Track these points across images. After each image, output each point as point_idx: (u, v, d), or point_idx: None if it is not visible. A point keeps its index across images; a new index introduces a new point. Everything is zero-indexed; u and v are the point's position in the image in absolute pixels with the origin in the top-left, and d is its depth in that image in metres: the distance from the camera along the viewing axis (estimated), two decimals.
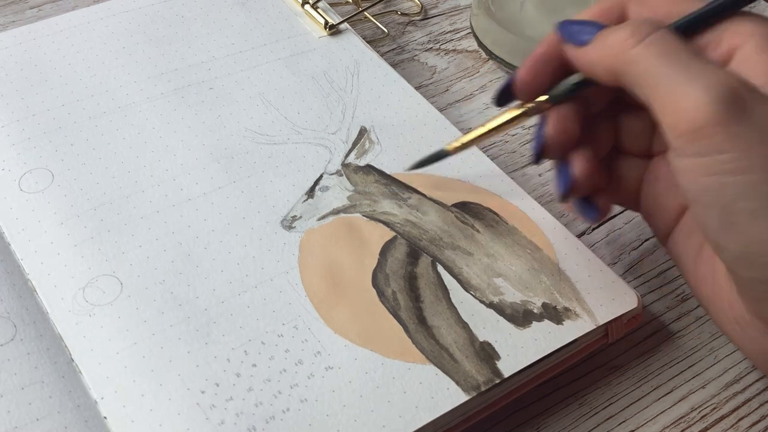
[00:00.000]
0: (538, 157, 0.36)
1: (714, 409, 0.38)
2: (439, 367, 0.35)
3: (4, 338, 0.35)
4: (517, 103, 0.37)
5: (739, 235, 0.29)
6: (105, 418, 0.33)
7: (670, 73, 0.29)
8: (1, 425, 0.32)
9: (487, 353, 0.35)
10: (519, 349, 0.35)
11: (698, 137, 0.28)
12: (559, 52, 0.35)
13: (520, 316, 0.37)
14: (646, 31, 0.30)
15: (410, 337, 0.36)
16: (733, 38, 0.31)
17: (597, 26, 0.33)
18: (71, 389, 0.33)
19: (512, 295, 0.37)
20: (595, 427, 0.37)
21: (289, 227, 0.40)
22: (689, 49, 0.30)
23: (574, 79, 0.35)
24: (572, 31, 0.34)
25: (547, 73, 0.35)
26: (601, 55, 0.32)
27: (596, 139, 0.37)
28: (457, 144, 0.39)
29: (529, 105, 0.36)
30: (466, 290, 0.38)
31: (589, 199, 0.37)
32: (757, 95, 0.28)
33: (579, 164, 0.35)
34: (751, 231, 0.28)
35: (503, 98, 0.37)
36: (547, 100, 0.36)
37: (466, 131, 0.38)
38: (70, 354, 0.34)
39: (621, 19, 0.34)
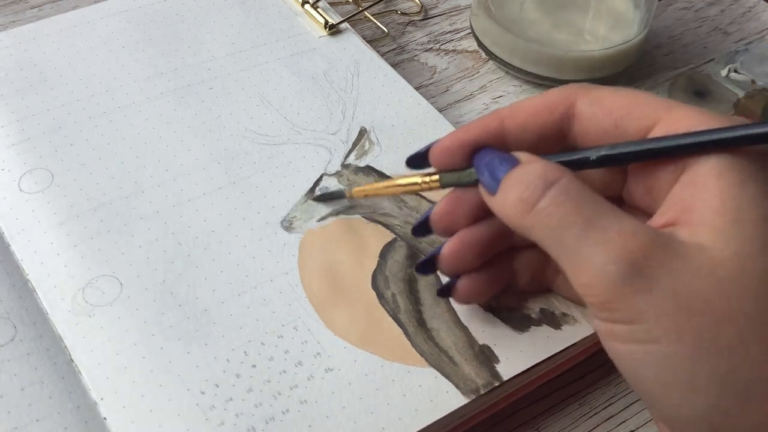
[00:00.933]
0: (420, 230, 0.35)
1: None
2: (438, 370, 0.35)
3: (3, 339, 0.35)
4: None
5: (653, 401, 0.28)
6: (105, 418, 0.33)
7: (565, 247, 0.28)
8: (1, 426, 0.32)
9: (486, 356, 0.35)
10: (518, 353, 0.35)
11: (605, 309, 0.27)
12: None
13: (519, 321, 0.37)
14: (536, 195, 0.29)
15: (410, 339, 0.36)
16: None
17: (505, 167, 0.30)
18: (71, 390, 0.33)
19: (510, 301, 0.37)
20: (595, 427, 0.37)
21: (289, 228, 0.39)
22: (586, 210, 0.28)
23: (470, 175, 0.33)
24: (482, 171, 0.31)
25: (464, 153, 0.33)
26: (504, 214, 0.30)
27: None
28: (358, 192, 0.38)
29: (424, 179, 0.35)
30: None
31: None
32: (662, 256, 0.27)
33: (452, 241, 0.34)
34: (662, 400, 0.28)
35: (416, 163, 0.35)
36: (439, 182, 0.34)
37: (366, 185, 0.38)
38: (70, 355, 0.34)
39: (564, 117, 0.32)
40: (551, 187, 0.28)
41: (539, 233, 0.29)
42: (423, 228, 0.35)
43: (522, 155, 0.31)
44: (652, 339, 0.27)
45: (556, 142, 0.32)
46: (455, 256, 0.34)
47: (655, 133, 0.30)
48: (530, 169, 0.29)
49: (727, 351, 0.26)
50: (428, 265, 0.36)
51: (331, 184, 0.42)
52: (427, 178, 0.34)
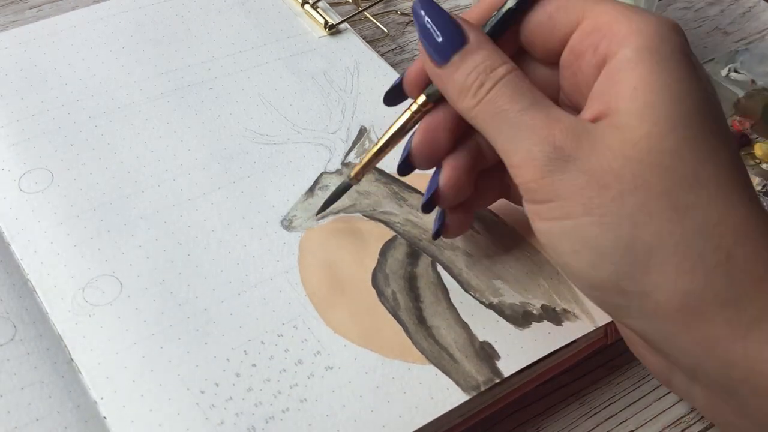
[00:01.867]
0: (405, 169, 0.36)
1: None
2: (438, 367, 0.35)
3: (3, 338, 0.35)
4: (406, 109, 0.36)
5: (568, 271, 0.31)
6: (105, 418, 0.33)
7: (500, 133, 0.31)
8: (1, 425, 0.32)
9: (486, 353, 0.35)
10: (519, 349, 0.35)
11: (529, 189, 0.30)
12: None
13: (520, 317, 0.37)
14: (484, 88, 0.31)
15: (410, 337, 0.36)
16: (609, 43, 0.30)
17: (456, 41, 0.32)
18: (71, 389, 0.33)
19: (511, 297, 0.37)
20: (595, 427, 0.37)
21: (289, 227, 0.39)
22: (523, 99, 0.30)
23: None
24: (430, 35, 0.32)
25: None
26: (448, 94, 0.32)
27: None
28: (357, 170, 0.38)
29: (414, 108, 0.35)
30: (466, 291, 0.38)
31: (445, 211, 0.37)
32: (580, 140, 0.29)
33: (446, 170, 0.35)
34: (575, 269, 0.30)
35: (392, 98, 0.37)
36: (426, 99, 0.34)
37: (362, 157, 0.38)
38: (70, 354, 0.34)
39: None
40: (501, 79, 0.31)
41: (481, 120, 0.31)
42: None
43: (470, 31, 0.32)
44: (566, 215, 0.29)
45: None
46: (455, 187, 0.35)
47: (582, 28, 0.31)
48: (479, 55, 0.31)
49: (630, 220, 0.28)
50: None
51: (331, 183, 0.42)
52: (414, 107, 0.35)
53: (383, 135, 0.36)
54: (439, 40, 0.32)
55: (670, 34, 0.30)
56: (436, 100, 0.34)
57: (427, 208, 0.36)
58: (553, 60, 0.33)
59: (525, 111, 0.30)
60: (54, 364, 0.34)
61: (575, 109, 0.33)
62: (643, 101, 0.29)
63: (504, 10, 0.32)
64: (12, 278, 0.37)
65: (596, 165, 0.28)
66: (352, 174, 0.38)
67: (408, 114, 0.35)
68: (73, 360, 0.34)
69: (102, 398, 0.33)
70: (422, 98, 0.34)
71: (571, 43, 0.32)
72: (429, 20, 0.32)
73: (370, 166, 0.38)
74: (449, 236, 0.38)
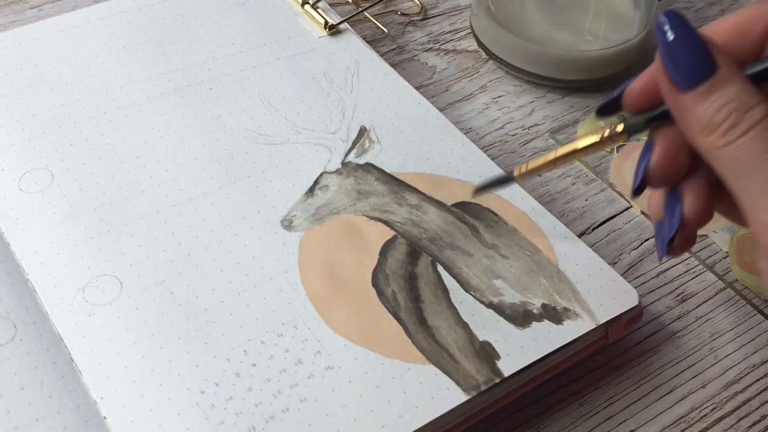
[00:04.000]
0: (640, 188, 0.32)
1: (714, 409, 0.38)
2: (438, 367, 0.35)
3: (3, 338, 0.35)
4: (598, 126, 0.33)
5: None
6: (105, 418, 0.33)
7: (749, 183, 0.28)
8: (1, 425, 0.32)
9: (486, 353, 0.35)
10: (519, 349, 0.35)
11: None
12: None
13: (520, 317, 0.37)
14: (734, 126, 0.28)
15: (410, 337, 0.36)
16: None
17: (706, 67, 0.28)
18: (71, 389, 0.33)
19: (511, 296, 0.37)
20: (595, 427, 0.37)
21: (289, 227, 0.39)
22: None
23: (654, 111, 0.31)
24: (676, 56, 0.29)
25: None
26: (688, 123, 0.29)
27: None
28: (524, 171, 0.35)
29: (604, 134, 0.32)
30: (466, 290, 0.38)
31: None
32: None
33: (691, 198, 0.31)
34: None
35: (607, 110, 0.33)
36: (623, 130, 0.32)
37: (531, 158, 0.35)
38: (70, 354, 0.34)
39: (764, 33, 0.30)
40: (758, 124, 0.27)
41: (727, 164, 0.28)
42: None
43: (721, 59, 0.28)
44: None
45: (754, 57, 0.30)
46: (701, 215, 0.31)
47: None
48: (731, 89, 0.28)
49: None
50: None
51: (331, 183, 0.42)
52: (607, 131, 0.32)
53: (572, 144, 0.33)
54: (687, 62, 0.28)
55: None
56: (632, 133, 0.31)
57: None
58: None
59: None
60: (54, 364, 0.34)
61: None
62: None
63: None
64: (12, 278, 0.37)
65: None
66: (518, 173, 0.35)
67: (605, 132, 0.32)
68: (73, 360, 0.34)
69: (102, 398, 0.33)
70: (619, 126, 0.31)
71: None
72: (676, 37, 0.28)
73: (541, 170, 0.35)
74: (676, 255, 0.35)
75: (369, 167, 0.42)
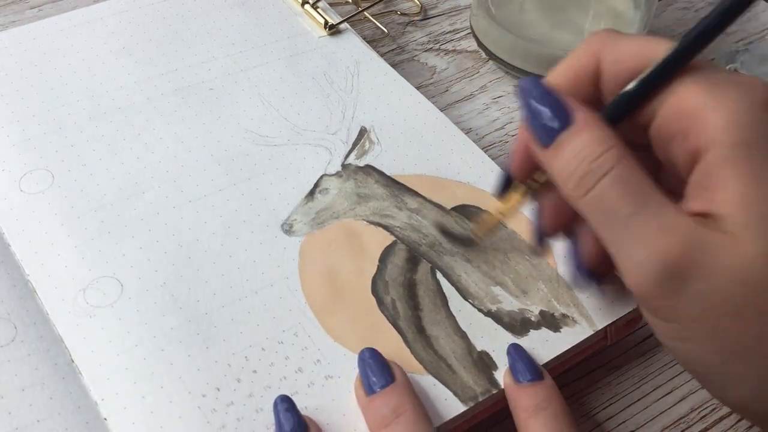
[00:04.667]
0: (542, 244, 0.36)
1: (714, 409, 0.38)
2: (437, 378, 0.35)
3: (4, 339, 0.35)
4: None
5: (702, 384, 0.31)
6: (105, 419, 0.33)
7: (609, 234, 0.29)
8: (2, 427, 0.32)
9: (484, 363, 0.35)
10: None
11: (644, 302, 0.29)
12: None
13: (518, 325, 0.37)
14: (592, 180, 0.29)
15: (409, 347, 0.36)
16: (699, 135, 0.28)
17: (561, 120, 0.30)
18: (72, 391, 0.33)
19: (510, 303, 0.37)
20: (595, 427, 0.37)
21: (289, 231, 0.39)
22: (632, 202, 0.28)
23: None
24: (535, 115, 0.30)
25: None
26: (553, 177, 0.30)
27: None
28: (478, 234, 0.39)
29: (530, 183, 0.35)
30: (465, 298, 0.38)
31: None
32: (695, 257, 0.27)
33: (586, 243, 0.34)
34: (703, 384, 0.30)
35: (503, 189, 0.36)
36: (524, 193, 0.35)
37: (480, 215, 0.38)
38: (71, 355, 0.34)
39: (595, 76, 0.32)
40: (606, 174, 0.28)
41: (587, 215, 0.29)
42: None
43: (578, 111, 0.30)
44: (685, 338, 0.28)
45: (594, 102, 0.32)
46: (602, 255, 0.33)
47: (668, 108, 0.29)
48: (581, 138, 0.29)
49: (758, 354, 0.27)
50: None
51: (331, 186, 0.41)
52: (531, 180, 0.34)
53: (500, 211, 0.37)
54: (543, 119, 0.30)
55: (766, 115, 0.28)
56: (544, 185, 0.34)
57: (587, 280, 0.35)
58: (641, 138, 0.31)
59: (635, 215, 0.28)
60: (55, 365, 0.34)
61: (678, 185, 0.30)
62: (754, 212, 0.26)
63: (623, 92, 0.30)
64: (12, 279, 0.37)
65: (713, 289, 0.27)
66: (476, 232, 0.39)
67: (532, 181, 0.34)
68: (74, 361, 0.34)
69: (103, 400, 0.33)
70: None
71: (658, 122, 0.30)
72: (534, 98, 0.30)
73: (490, 228, 0.39)
74: (606, 283, 0.37)
75: (369, 170, 0.42)
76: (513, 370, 0.34)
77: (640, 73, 0.30)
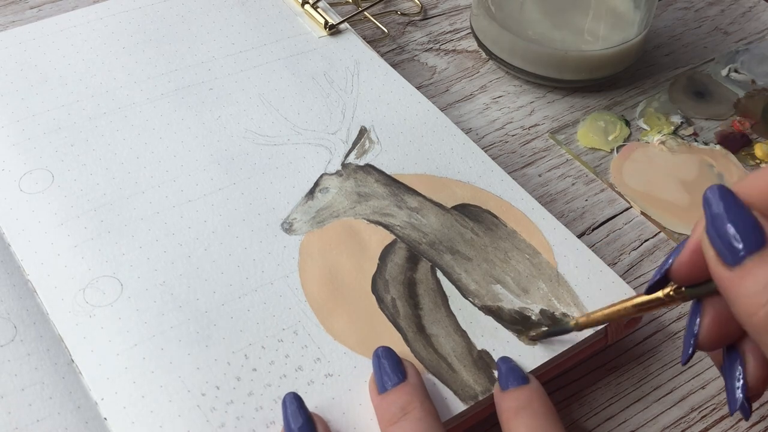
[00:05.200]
0: (690, 356, 0.31)
1: (714, 409, 0.38)
2: (437, 377, 0.35)
3: (4, 339, 0.35)
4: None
5: None
6: (105, 419, 0.33)
7: None
8: (2, 426, 0.32)
9: (484, 362, 0.35)
10: (517, 358, 0.35)
11: None
12: None
13: (518, 323, 0.37)
14: None
15: (409, 345, 0.36)
16: None
17: (754, 241, 0.27)
18: (71, 390, 0.33)
19: (510, 302, 0.37)
20: (595, 427, 0.37)
21: (289, 230, 0.39)
22: None
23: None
24: (722, 230, 0.27)
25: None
26: (734, 302, 0.27)
27: None
28: (583, 322, 0.35)
29: (670, 294, 0.31)
30: (465, 297, 0.38)
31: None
32: None
33: (754, 362, 0.30)
34: None
35: (657, 287, 0.32)
36: (684, 294, 0.31)
37: (594, 310, 0.35)
38: (71, 355, 0.34)
39: None
40: None
41: None
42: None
43: None
44: None
45: None
46: (715, 334, 0.30)
47: None
48: None
49: None
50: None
51: (331, 185, 0.41)
52: (669, 290, 0.31)
53: (631, 301, 0.33)
54: (733, 236, 0.27)
55: None
56: (693, 297, 0.30)
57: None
58: None
59: None
60: (55, 365, 0.34)
61: None
62: None
63: None
64: (12, 279, 0.37)
65: None
66: (579, 323, 0.35)
67: (667, 291, 0.31)
68: (73, 361, 0.34)
69: (103, 399, 0.33)
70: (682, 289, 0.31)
71: None
72: (723, 210, 0.28)
73: (603, 321, 0.35)
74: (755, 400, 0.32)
75: (369, 169, 0.42)
76: (500, 380, 0.34)
77: None
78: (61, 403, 0.33)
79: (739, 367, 0.30)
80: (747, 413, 0.31)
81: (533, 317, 0.37)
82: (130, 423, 0.32)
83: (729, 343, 0.31)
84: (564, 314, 0.37)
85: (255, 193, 0.41)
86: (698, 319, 0.31)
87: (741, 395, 0.30)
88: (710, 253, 0.28)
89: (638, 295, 0.33)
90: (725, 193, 0.28)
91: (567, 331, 0.36)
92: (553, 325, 0.36)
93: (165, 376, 0.34)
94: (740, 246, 0.27)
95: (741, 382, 0.30)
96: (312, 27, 0.51)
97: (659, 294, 0.31)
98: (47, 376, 0.34)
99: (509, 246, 0.39)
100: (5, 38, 0.48)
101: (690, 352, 0.31)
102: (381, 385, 0.34)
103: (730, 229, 0.27)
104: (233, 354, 0.35)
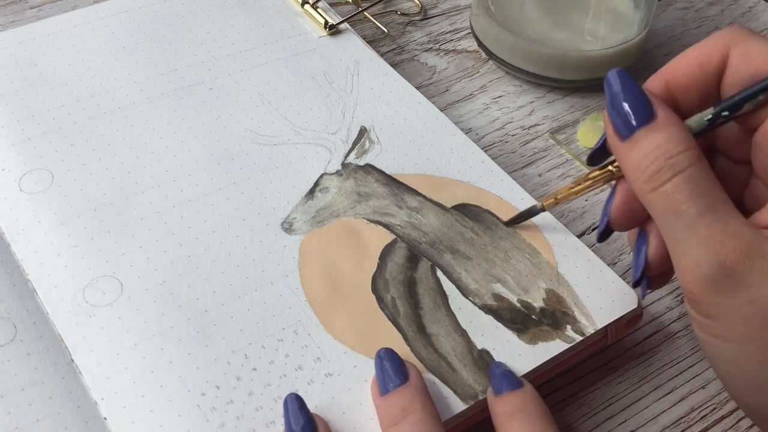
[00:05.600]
0: (605, 234, 0.35)
1: (714, 409, 0.38)
2: (437, 376, 0.35)
3: (4, 339, 0.35)
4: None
5: (724, 385, 0.32)
6: (105, 419, 0.33)
7: (671, 230, 0.30)
8: (2, 426, 0.32)
9: (484, 361, 0.35)
10: (517, 357, 0.35)
11: (692, 299, 0.30)
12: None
13: (519, 322, 0.37)
14: (662, 177, 0.30)
15: (409, 345, 0.36)
16: None
17: (643, 115, 0.31)
18: (71, 390, 0.33)
19: (510, 301, 0.37)
20: (595, 427, 0.37)
21: (290, 230, 0.39)
22: (700, 203, 0.29)
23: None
24: (618, 105, 0.31)
25: None
26: (625, 170, 0.31)
27: None
28: (549, 202, 0.39)
29: (606, 169, 0.35)
30: (465, 296, 0.38)
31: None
32: (753, 263, 0.28)
33: (655, 241, 0.33)
34: (728, 389, 0.31)
35: (596, 158, 0.35)
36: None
37: (554, 190, 0.37)
38: (71, 355, 0.34)
39: (720, 66, 0.32)
40: (680, 173, 0.29)
41: (654, 209, 0.30)
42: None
43: (659, 109, 0.30)
44: (726, 337, 0.29)
45: (713, 92, 0.32)
46: (666, 257, 0.33)
47: None
48: (662, 135, 0.30)
49: None
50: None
51: (331, 185, 0.42)
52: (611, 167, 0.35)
53: (586, 176, 0.36)
54: (627, 110, 0.31)
55: None
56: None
57: (638, 283, 0.34)
58: (741, 153, 0.32)
59: (701, 216, 0.29)
60: (54, 364, 0.34)
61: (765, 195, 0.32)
62: None
63: (716, 114, 0.31)
64: (12, 279, 0.37)
65: (765, 295, 0.28)
66: (544, 204, 0.39)
67: (602, 173, 0.35)
68: (73, 361, 0.34)
69: (102, 399, 0.33)
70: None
71: (766, 128, 0.30)
72: (619, 90, 0.31)
73: (563, 200, 0.39)
74: (655, 289, 0.37)
75: (369, 168, 0.42)
76: (493, 385, 0.34)
77: (763, 76, 0.30)
78: (61, 403, 0.33)
79: (643, 246, 0.33)
80: (643, 291, 0.34)
81: (534, 316, 0.37)
82: (130, 423, 0.32)
83: (637, 223, 0.34)
84: (564, 313, 0.37)
85: (255, 193, 0.41)
86: (611, 200, 0.34)
87: (640, 270, 0.33)
88: (609, 129, 0.31)
89: (592, 170, 0.36)
90: (623, 75, 0.31)
91: (534, 213, 0.39)
92: (527, 213, 0.40)
93: (165, 375, 0.34)
94: (632, 120, 0.31)
95: (642, 257, 0.33)
96: (312, 27, 0.51)
97: (611, 167, 0.35)
98: (47, 376, 0.34)
99: (509, 245, 0.39)
100: (5, 38, 0.48)
101: (602, 228, 0.35)
102: (383, 387, 0.34)
103: (625, 106, 0.31)
104: (233, 353, 0.35)
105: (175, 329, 0.35)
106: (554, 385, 0.38)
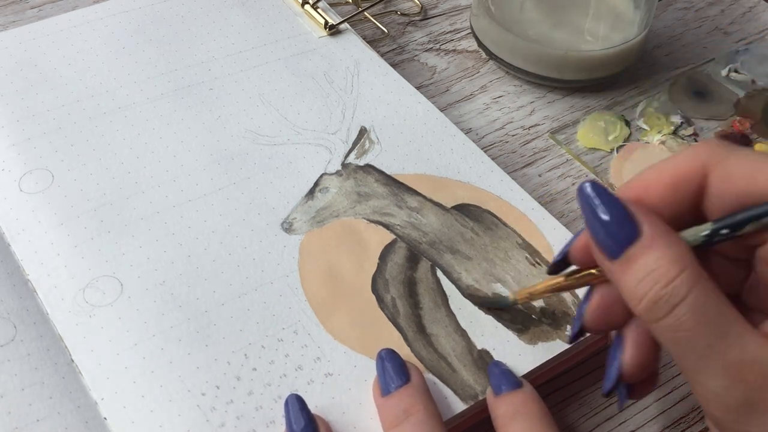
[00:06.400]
0: (578, 335, 0.33)
1: None
2: (437, 376, 0.35)
3: (4, 339, 0.35)
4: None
5: None
6: (105, 419, 0.33)
7: (684, 358, 0.27)
8: (2, 426, 0.32)
9: (485, 361, 0.35)
10: (517, 357, 0.35)
11: (717, 423, 0.28)
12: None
13: (519, 322, 0.37)
14: (665, 308, 0.27)
15: (409, 345, 0.36)
16: None
17: (628, 234, 0.28)
18: (71, 390, 0.33)
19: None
20: (595, 428, 0.37)
21: (289, 230, 0.39)
22: (710, 330, 0.27)
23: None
24: (599, 226, 0.28)
25: None
26: (621, 291, 0.28)
27: None
28: (522, 297, 0.36)
29: (587, 272, 0.32)
30: (465, 296, 0.38)
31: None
32: None
33: (631, 349, 0.31)
34: None
35: (557, 269, 0.33)
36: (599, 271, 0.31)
37: (529, 286, 0.35)
38: (71, 355, 0.34)
39: (698, 190, 0.29)
40: (681, 302, 0.27)
41: (660, 340, 0.28)
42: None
43: (645, 224, 0.28)
44: None
45: (689, 212, 0.30)
46: (641, 366, 0.31)
47: None
48: (652, 257, 0.27)
49: None
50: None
51: (331, 185, 0.41)
52: (589, 272, 0.32)
53: (562, 277, 0.33)
54: (609, 231, 0.28)
55: None
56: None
57: (610, 392, 0.31)
58: (740, 254, 0.30)
59: (713, 347, 0.26)
60: (54, 364, 0.34)
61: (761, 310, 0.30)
62: None
63: (714, 232, 0.28)
64: (12, 279, 0.37)
65: None
66: (517, 298, 0.36)
67: (577, 278, 0.32)
68: (73, 361, 0.34)
69: (102, 399, 0.33)
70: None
71: None
72: (598, 203, 0.28)
73: (536, 298, 0.36)
74: (637, 399, 0.35)
75: (369, 169, 0.42)
76: (492, 385, 0.34)
77: (751, 202, 0.28)
78: (61, 403, 0.33)
79: (618, 354, 0.31)
80: (621, 401, 0.32)
81: (534, 316, 0.37)
82: (130, 423, 0.32)
83: (614, 327, 0.31)
84: (564, 313, 0.37)
85: (255, 193, 0.41)
86: (587, 302, 0.31)
87: (613, 377, 0.31)
88: (593, 246, 0.29)
89: (553, 278, 0.34)
90: (597, 188, 0.29)
91: (504, 305, 0.37)
92: (497, 301, 0.37)
93: (165, 375, 0.34)
94: (617, 238, 0.28)
95: (615, 367, 0.31)
96: (312, 27, 0.51)
97: (594, 270, 0.31)
98: (47, 376, 0.34)
99: (509, 245, 0.39)
100: (5, 38, 0.48)
101: (575, 330, 0.32)
102: (384, 387, 0.34)
103: (606, 223, 0.28)
104: (233, 353, 0.35)
105: (175, 329, 0.35)
106: (554, 385, 0.38)
